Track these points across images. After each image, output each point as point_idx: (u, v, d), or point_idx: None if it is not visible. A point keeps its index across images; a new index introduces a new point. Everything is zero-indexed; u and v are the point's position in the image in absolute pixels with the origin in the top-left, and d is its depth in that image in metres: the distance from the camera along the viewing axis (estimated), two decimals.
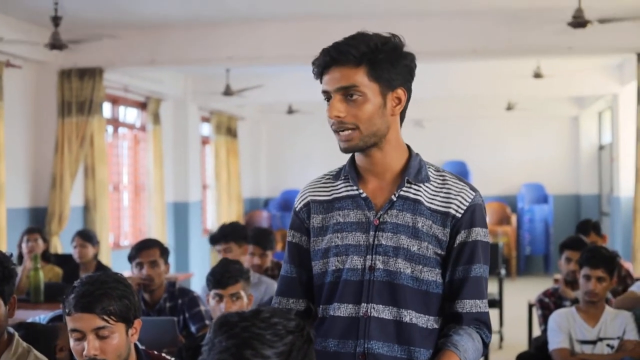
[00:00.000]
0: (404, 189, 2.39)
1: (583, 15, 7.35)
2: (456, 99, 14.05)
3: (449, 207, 2.38)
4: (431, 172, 2.44)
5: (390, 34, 2.37)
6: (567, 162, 15.52)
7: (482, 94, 12.82)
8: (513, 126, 15.53)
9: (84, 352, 2.63)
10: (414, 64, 2.39)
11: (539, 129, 15.50)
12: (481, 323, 2.40)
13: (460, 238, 2.38)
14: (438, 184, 2.42)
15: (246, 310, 1.76)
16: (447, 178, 2.43)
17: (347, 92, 2.32)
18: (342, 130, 2.34)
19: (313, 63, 2.37)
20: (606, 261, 4.92)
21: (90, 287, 2.65)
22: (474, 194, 2.41)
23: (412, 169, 2.41)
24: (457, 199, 2.39)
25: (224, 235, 5.94)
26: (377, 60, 2.31)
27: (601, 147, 14.86)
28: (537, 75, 10.73)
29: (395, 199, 2.38)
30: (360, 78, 2.31)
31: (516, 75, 11.51)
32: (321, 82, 2.38)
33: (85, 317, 2.62)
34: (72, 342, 2.68)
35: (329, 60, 2.33)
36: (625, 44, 8.57)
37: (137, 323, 2.76)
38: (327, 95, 2.36)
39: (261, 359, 1.66)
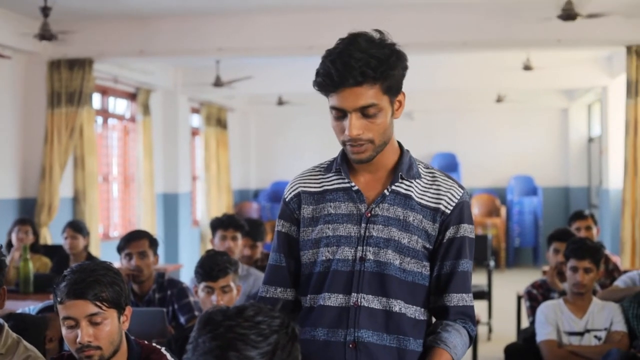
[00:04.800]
0: (397, 184, 2.45)
1: (573, 8, 7.37)
2: (446, 91, 14.07)
3: (439, 203, 2.44)
4: (421, 169, 2.50)
5: (377, 32, 2.36)
6: (556, 154, 15.55)
7: (472, 86, 12.84)
8: (503, 118, 15.55)
9: (78, 339, 2.65)
10: (407, 64, 2.40)
11: (528, 121, 15.53)
12: (466, 317, 2.46)
13: (449, 234, 2.45)
14: (428, 180, 2.48)
15: (231, 307, 1.74)
16: (436, 175, 2.50)
17: (365, 110, 2.33)
18: (358, 145, 2.36)
19: (323, 78, 2.33)
20: (592, 252, 4.95)
21: (82, 275, 2.67)
22: (462, 191, 2.48)
23: (404, 165, 2.46)
24: (446, 196, 2.45)
25: (237, 222, 5.89)
26: (390, 76, 2.32)
27: (590, 140, 14.90)
28: (527, 67, 10.75)
29: (387, 193, 2.44)
30: (377, 94, 2.32)
31: (506, 68, 11.53)
32: (327, 96, 2.36)
33: (78, 304, 2.65)
34: (64, 331, 2.69)
35: (343, 79, 2.29)
36: (614, 36, 8.58)
37: (128, 310, 2.79)
38: (339, 111, 2.35)
39: None
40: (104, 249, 9.64)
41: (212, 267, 4.16)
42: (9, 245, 7.28)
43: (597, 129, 13.96)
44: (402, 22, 8.49)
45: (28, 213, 8.74)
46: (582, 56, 11.35)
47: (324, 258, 2.44)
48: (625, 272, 6.11)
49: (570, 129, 15.32)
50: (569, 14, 7.36)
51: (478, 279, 8.72)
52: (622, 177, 9.17)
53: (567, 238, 5.77)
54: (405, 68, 2.39)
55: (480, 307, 7.87)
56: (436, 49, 9.38)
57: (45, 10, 7.51)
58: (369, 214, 2.42)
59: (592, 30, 8.33)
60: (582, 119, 15.24)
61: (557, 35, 8.46)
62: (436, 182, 2.47)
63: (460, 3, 8.50)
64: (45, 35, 7.54)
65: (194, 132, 13.58)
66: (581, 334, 4.93)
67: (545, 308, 5.03)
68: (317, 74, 2.34)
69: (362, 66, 2.28)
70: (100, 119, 10.69)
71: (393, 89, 2.36)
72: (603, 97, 12.00)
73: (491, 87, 13.09)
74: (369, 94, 2.31)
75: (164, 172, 12.06)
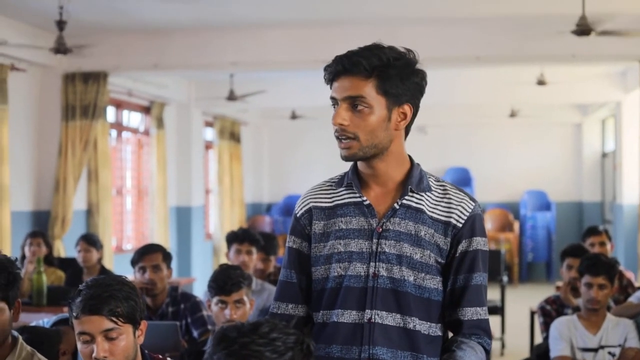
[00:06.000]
0: (407, 197, 2.43)
1: (587, 23, 7.36)
2: (459, 105, 14.05)
3: (450, 217, 2.42)
4: (432, 182, 2.48)
5: (405, 49, 2.40)
6: (570, 169, 15.52)
7: (485, 100, 12.84)
8: (516, 133, 15.54)
9: (94, 355, 2.65)
10: (424, 82, 2.43)
11: (542, 136, 15.51)
12: (481, 330, 2.43)
13: (461, 247, 2.42)
14: (439, 193, 2.46)
15: (245, 323, 1.73)
16: (447, 188, 2.48)
17: (354, 102, 2.36)
18: (344, 139, 2.38)
19: (325, 69, 2.40)
20: (606, 268, 4.93)
21: (97, 290, 2.68)
22: (473, 204, 2.46)
23: (414, 178, 2.44)
24: (458, 209, 2.43)
25: (252, 236, 5.89)
26: (387, 75, 2.35)
27: (604, 155, 14.87)
28: (541, 82, 10.74)
29: (398, 207, 2.42)
30: (369, 90, 2.35)
31: (520, 82, 11.53)
32: (331, 88, 2.41)
33: (94, 319, 2.65)
34: (80, 346, 2.69)
35: (341, 68, 2.37)
36: (628, 52, 8.57)
37: (143, 324, 2.80)
38: (335, 101, 2.40)
39: None
40: (117, 262, 9.65)
41: (225, 281, 4.15)
42: (23, 258, 7.30)
43: (610, 144, 13.93)
44: (415, 37, 8.48)
45: (42, 225, 8.76)
46: (596, 71, 11.34)
47: (335, 274, 2.42)
48: (639, 288, 6.09)
49: (584, 144, 15.29)
50: (583, 30, 7.35)
51: (491, 294, 8.67)
52: (637, 192, 9.13)
53: (580, 254, 5.75)
54: (418, 83, 2.40)
55: (493, 323, 7.85)
56: (450, 64, 9.40)
57: (61, 24, 7.55)
58: (380, 229, 2.40)
59: (606, 46, 8.31)
60: (595, 134, 15.21)
61: (572, 50, 8.45)
62: (447, 195, 2.45)
63: (474, 18, 8.50)
64: (60, 48, 7.58)
65: (208, 146, 13.61)
66: (595, 350, 4.90)
67: (559, 324, 5.00)
68: (325, 68, 2.42)
69: (360, 58, 2.34)
70: (114, 132, 10.72)
71: (393, 94, 2.36)
72: (617, 112, 11.98)
73: (505, 101, 13.08)
74: (359, 86, 2.35)
75: (177, 186, 12.08)
